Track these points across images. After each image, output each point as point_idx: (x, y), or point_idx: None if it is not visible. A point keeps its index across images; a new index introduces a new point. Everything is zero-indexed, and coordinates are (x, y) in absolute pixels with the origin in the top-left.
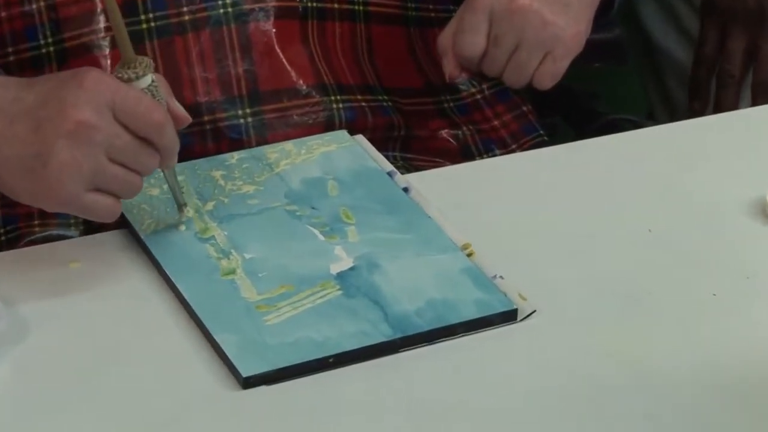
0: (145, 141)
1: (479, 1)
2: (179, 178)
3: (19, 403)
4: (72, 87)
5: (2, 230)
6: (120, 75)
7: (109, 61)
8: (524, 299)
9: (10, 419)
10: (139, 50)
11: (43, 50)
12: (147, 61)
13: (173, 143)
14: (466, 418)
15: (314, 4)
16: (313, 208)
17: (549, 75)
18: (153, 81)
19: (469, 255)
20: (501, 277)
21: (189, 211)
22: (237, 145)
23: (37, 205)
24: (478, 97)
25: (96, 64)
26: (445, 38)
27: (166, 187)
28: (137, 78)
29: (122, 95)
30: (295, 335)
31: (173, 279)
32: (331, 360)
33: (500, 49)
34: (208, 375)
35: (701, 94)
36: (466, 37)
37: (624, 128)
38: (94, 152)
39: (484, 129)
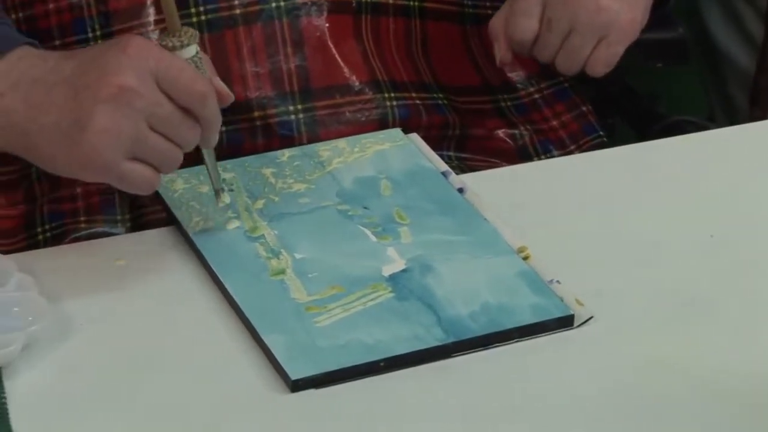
0: (187, 112)
1: None
2: (229, 175)
3: (61, 403)
4: (114, 53)
5: (47, 226)
6: (164, 43)
7: None
8: (581, 305)
9: (51, 419)
10: None
11: (92, 43)
12: (192, 31)
13: (215, 117)
14: (519, 425)
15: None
16: (365, 207)
17: (602, 61)
18: (197, 53)
19: (526, 258)
20: (558, 281)
21: (226, 197)
22: (288, 142)
23: (74, 175)
24: (537, 96)
25: None
26: (497, 22)
27: None
28: (182, 47)
29: (166, 63)
30: (345, 338)
31: (221, 278)
32: (382, 364)
33: (553, 34)
34: (255, 377)
35: (763, 101)
36: (518, 21)
37: (686, 130)
38: (134, 118)
39: (542, 129)
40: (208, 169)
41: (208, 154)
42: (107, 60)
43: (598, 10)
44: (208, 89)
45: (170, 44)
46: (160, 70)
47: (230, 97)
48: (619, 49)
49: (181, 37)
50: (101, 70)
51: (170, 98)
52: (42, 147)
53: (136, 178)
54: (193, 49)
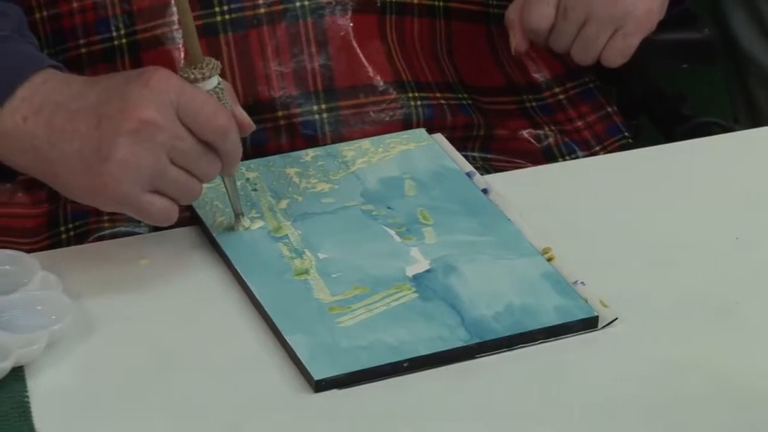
0: (208, 146)
1: None
2: (252, 174)
3: (84, 402)
4: (137, 85)
5: (71, 225)
6: (186, 75)
7: (182, 54)
8: (606, 306)
9: (74, 419)
10: (213, 44)
11: (116, 42)
12: (214, 62)
13: (236, 150)
14: (543, 427)
15: None
16: (389, 208)
17: (618, 52)
18: (219, 83)
19: (550, 260)
20: (582, 282)
21: (246, 222)
22: (312, 141)
23: (92, 203)
24: (562, 97)
25: (168, 56)
26: (512, 11)
27: (239, 183)
28: (203, 79)
29: (188, 96)
30: (368, 338)
31: (244, 278)
32: (405, 364)
33: (568, 22)
34: (278, 378)
35: None
36: (534, 9)
37: (713, 132)
38: (155, 152)
39: (567, 130)
40: (228, 195)
41: (228, 181)
42: (130, 91)
43: (614, 1)
44: (230, 123)
45: (192, 76)
46: (182, 104)
47: (251, 128)
48: (635, 41)
49: (203, 69)
50: (124, 102)
51: (191, 131)
52: (62, 174)
53: (155, 211)
54: (215, 81)
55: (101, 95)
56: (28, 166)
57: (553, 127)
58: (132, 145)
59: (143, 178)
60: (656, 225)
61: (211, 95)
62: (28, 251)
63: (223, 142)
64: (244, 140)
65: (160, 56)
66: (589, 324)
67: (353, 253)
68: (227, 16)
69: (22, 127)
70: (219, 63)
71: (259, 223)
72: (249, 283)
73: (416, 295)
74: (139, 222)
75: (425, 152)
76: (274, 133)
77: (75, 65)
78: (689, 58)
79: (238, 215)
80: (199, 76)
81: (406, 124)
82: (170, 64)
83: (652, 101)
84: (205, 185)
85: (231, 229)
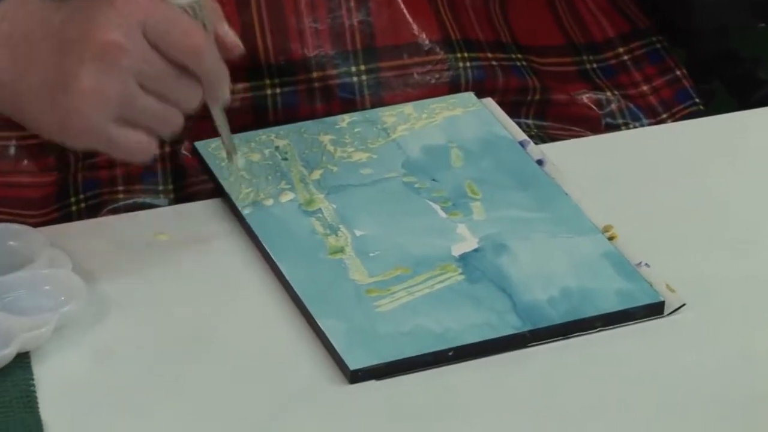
0: (184, 69)
1: None
2: (283, 142)
3: (96, 392)
4: (102, 6)
5: (82, 196)
6: None
7: None
8: (672, 291)
9: (84, 410)
10: None
11: None
12: None
13: (216, 71)
14: (600, 423)
15: None
16: (433, 180)
17: None
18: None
19: (611, 238)
20: (647, 264)
21: (240, 160)
22: (349, 105)
23: (62, 141)
24: (626, 57)
25: None
26: None
27: (267, 152)
28: None
29: (157, 15)
30: (409, 324)
31: (273, 257)
32: (450, 353)
33: None
34: (310, 367)
35: None
36: None
37: None
38: (121, 78)
39: (631, 95)
40: (217, 128)
41: (215, 110)
42: (95, 13)
43: None
44: (203, 42)
45: None
46: (149, 24)
47: (238, 49)
48: None
49: None
50: (88, 23)
51: (162, 54)
52: (29, 110)
53: (128, 144)
54: None
55: (65, 19)
56: (2, 105)
57: (615, 92)
58: (96, 73)
59: (110, 108)
60: (729, 201)
61: (184, 12)
62: (35, 225)
63: (197, 63)
64: (273, 102)
65: None
66: (654, 310)
67: (393, 230)
68: None
69: None
70: None
71: (289, 196)
72: (278, 263)
73: (462, 276)
74: (158, 194)
75: (474, 118)
76: (307, 96)
77: None
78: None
79: (229, 153)
80: None
81: (453, 87)
82: None
83: (725, 64)
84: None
85: (258, 202)
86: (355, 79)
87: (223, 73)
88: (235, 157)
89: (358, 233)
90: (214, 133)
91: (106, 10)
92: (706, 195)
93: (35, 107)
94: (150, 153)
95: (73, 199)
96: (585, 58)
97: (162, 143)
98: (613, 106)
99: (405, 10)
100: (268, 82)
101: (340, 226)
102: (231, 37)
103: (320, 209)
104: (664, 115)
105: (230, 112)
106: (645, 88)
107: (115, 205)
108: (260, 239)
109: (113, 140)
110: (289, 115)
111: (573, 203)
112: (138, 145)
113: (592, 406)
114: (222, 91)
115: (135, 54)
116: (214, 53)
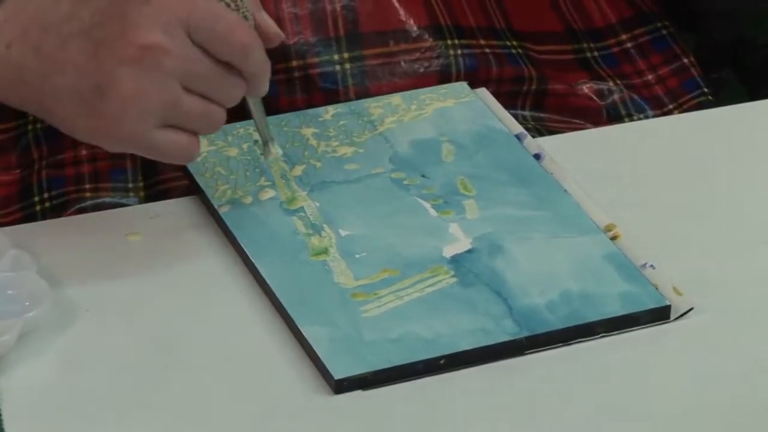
0: (227, 66)
1: None
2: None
3: (63, 403)
4: (136, 2)
5: (47, 195)
6: None
7: None
8: (679, 294)
9: (51, 422)
10: None
11: None
12: None
13: (262, 66)
14: None
15: None
16: (423, 176)
17: None
18: None
19: (614, 238)
20: (652, 266)
21: (277, 150)
22: (332, 96)
23: (96, 143)
24: (629, 45)
25: None
26: None
27: (245, 146)
28: None
29: (199, 11)
30: (398, 330)
31: (252, 259)
32: (442, 362)
33: None
34: (292, 376)
35: None
36: None
37: None
38: (165, 81)
39: (635, 84)
40: (254, 119)
41: (254, 103)
42: (129, 11)
43: None
44: (251, 38)
45: None
46: (192, 20)
47: (279, 37)
48: None
49: None
50: (122, 22)
51: (206, 52)
52: (58, 112)
53: (171, 148)
54: None
55: (95, 16)
56: (21, 102)
57: (618, 81)
58: (135, 76)
59: (152, 112)
60: (740, 198)
61: (226, 6)
62: None
63: (245, 61)
64: None
65: None
66: (660, 315)
67: (381, 230)
68: None
69: (6, 56)
70: None
71: (270, 193)
72: (257, 265)
73: (455, 279)
74: (128, 192)
75: (467, 110)
76: (287, 86)
77: None
78: None
79: (266, 142)
80: None
81: (443, 77)
82: None
83: (736, 51)
84: (203, 148)
85: (236, 200)
86: (338, 67)
87: (267, 67)
88: (273, 147)
89: (343, 233)
90: None
91: (142, 7)
92: (716, 192)
93: (66, 110)
94: (194, 154)
95: (36, 198)
96: (585, 45)
97: None
98: (616, 96)
99: None
100: None
101: (324, 225)
102: (271, 26)
103: (302, 208)
104: (671, 106)
105: None
106: (650, 77)
107: (82, 205)
108: (238, 240)
109: (156, 146)
110: (268, 106)
111: (573, 201)
112: (181, 149)
113: (594, 417)
114: (265, 85)
115: (178, 55)
116: (260, 48)
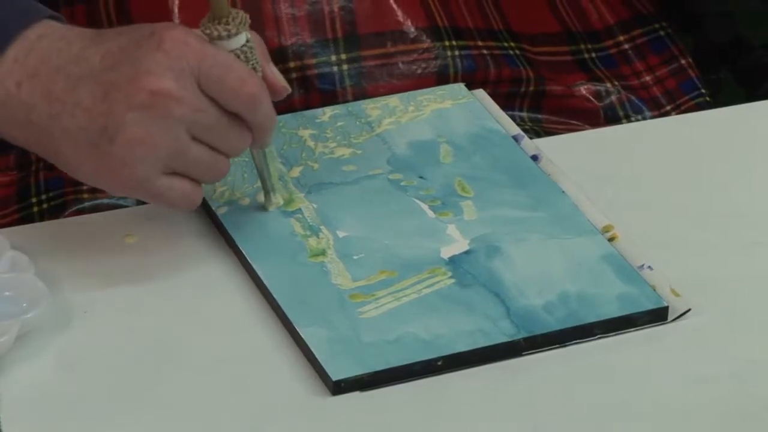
0: (235, 116)
1: None
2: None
3: (60, 404)
4: (148, 48)
5: (44, 197)
6: (208, 32)
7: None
8: (677, 295)
9: (47, 422)
10: None
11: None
12: (242, 15)
13: (269, 120)
14: None
15: None
16: (421, 177)
17: None
18: (248, 40)
19: (612, 239)
20: (650, 267)
21: (278, 199)
22: (330, 97)
23: (100, 187)
24: (627, 46)
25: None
26: None
27: None
28: (229, 36)
29: (210, 61)
30: (396, 332)
31: (250, 260)
32: (439, 363)
33: None
34: (290, 378)
35: None
36: None
37: None
38: (173, 129)
39: (632, 85)
40: (258, 169)
41: (258, 155)
42: (141, 56)
43: None
44: (260, 91)
45: (215, 33)
46: (203, 69)
47: (286, 90)
48: None
49: (228, 24)
50: (134, 67)
51: (215, 102)
52: (64, 153)
53: (174, 195)
54: (242, 38)
55: (106, 60)
56: (27, 142)
57: (616, 82)
58: (144, 122)
59: (159, 159)
60: (739, 199)
61: (236, 56)
62: None
63: (252, 113)
64: None
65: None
66: (658, 316)
67: (378, 231)
68: None
69: (16, 96)
70: (247, 16)
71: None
72: (255, 266)
73: (453, 280)
74: None
75: (464, 111)
76: None
77: (49, 3)
78: None
79: (269, 192)
80: (223, 33)
81: (441, 78)
82: (161, 8)
83: (734, 52)
84: None
85: (234, 201)
86: (335, 68)
87: (274, 120)
88: (275, 197)
89: (340, 234)
90: None
91: (154, 54)
92: (714, 192)
93: (72, 153)
94: (196, 202)
95: (34, 200)
96: (583, 46)
97: None
98: (614, 97)
99: None
100: None
101: (322, 227)
102: (279, 79)
103: (300, 209)
104: (668, 107)
105: None
106: (647, 78)
107: (80, 206)
108: (236, 241)
109: (159, 192)
110: None
111: (570, 202)
112: (184, 196)
113: (592, 418)
114: (270, 137)
115: (187, 103)
116: (268, 101)
